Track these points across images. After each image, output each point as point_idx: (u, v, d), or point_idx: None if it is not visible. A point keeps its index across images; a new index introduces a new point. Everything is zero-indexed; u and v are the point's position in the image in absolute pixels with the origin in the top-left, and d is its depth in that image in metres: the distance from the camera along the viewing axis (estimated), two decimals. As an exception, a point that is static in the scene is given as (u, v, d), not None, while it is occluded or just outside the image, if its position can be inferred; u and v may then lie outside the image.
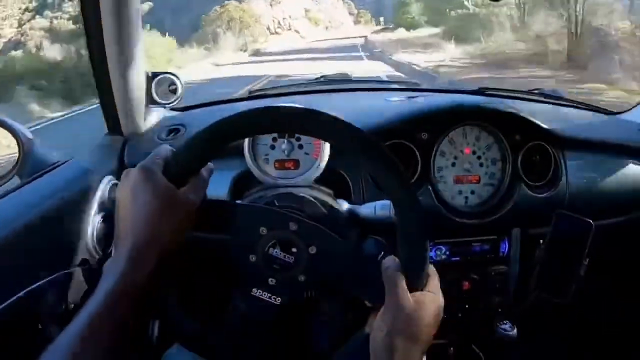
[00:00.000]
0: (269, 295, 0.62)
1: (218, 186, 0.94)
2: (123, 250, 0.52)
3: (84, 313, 0.48)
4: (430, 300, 0.55)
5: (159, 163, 0.55)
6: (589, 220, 0.96)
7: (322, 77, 1.21)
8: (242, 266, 0.62)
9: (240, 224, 0.62)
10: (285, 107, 0.55)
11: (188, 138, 0.55)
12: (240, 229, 0.62)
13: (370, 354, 0.55)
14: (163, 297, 0.69)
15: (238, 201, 0.83)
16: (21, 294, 0.67)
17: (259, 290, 0.62)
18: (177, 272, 0.72)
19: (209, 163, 0.59)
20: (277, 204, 0.74)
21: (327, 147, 0.89)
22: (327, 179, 0.92)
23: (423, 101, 1.08)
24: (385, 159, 0.53)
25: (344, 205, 0.85)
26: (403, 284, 0.54)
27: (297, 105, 0.55)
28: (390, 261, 0.57)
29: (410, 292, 0.54)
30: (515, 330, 1.06)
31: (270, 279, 0.62)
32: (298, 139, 0.91)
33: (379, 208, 0.80)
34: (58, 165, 0.93)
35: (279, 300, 0.62)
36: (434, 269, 0.58)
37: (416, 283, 0.55)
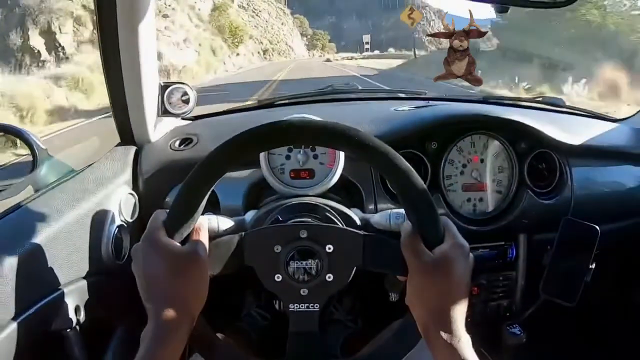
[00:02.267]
0: (306, 305, 0.64)
1: (232, 196, 0.96)
2: (154, 317, 0.54)
3: None
4: (452, 248, 0.56)
5: (160, 228, 0.57)
6: (595, 225, 0.99)
7: (329, 86, 1.22)
8: (271, 288, 0.64)
9: (254, 250, 0.63)
10: (276, 124, 0.57)
11: (178, 192, 0.57)
12: (256, 255, 0.63)
13: (418, 326, 0.56)
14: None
15: (244, 218, 0.85)
16: (40, 303, 0.68)
17: (296, 305, 0.64)
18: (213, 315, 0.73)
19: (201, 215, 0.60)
20: (281, 219, 0.75)
21: (342, 157, 0.91)
22: (341, 188, 0.94)
23: (431, 111, 1.10)
24: (374, 144, 0.56)
25: (358, 214, 0.86)
26: (419, 243, 0.56)
27: (291, 119, 0.57)
28: (404, 227, 0.58)
29: (431, 248, 0.56)
30: (523, 334, 1.08)
31: (302, 290, 0.63)
32: (313, 149, 0.93)
33: (393, 217, 0.81)
34: (72, 176, 0.94)
35: (317, 306, 0.64)
36: (448, 219, 0.59)
37: (434, 239, 0.57)
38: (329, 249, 0.63)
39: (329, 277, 0.63)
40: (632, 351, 1.27)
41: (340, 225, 0.76)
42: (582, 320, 1.23)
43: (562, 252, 1.02)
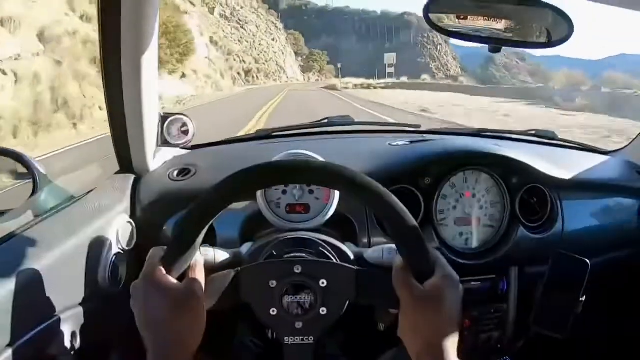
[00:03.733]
0: (301, 338, 0.66)
1: (229, 228, 0.97)
2: (153, 355, 0.56)
3: None
4: (442, 281, 0.58)
5: (158, 265, 0.59)
6: (585, 259, 1.01)
7: (326, 119, 1.25)
8: (267, 322, 0.66)
9: (249, 286, 0.65)
10: (273, 164, 0.61)
11: (177, 228, 0.60)
12: (251, 291, 0.66)
13: (411, 356, 0.58)
14: None
15: (240, 251, 0.87)
16: (36, 330, 0.69)
17: (291, 338, 0.66)
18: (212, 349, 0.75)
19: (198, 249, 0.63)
20: (275, 254, 0.77)
21: (336, 193, 0.93)
22: (335, 222, 0.95)
23: (425, 147, 1.12)
24: (363, 181, 0.58)
25: (352, 249, 0.88)
26: (410, 278, 0.58)
27: (287, 160, 0.60)
28: (395, 261, 0.61)
29: (422, 282, 0.58)
30: None
31: (297, 324, 0.65)
32: (309, 185, 0.95)
33: (386, 252, 0.82)
34: (72, 203, 0.95)
35: (311, 339, 0.66)
36: (438, 253, 0.61)
37: (424, 273, 0.59)
38: (323, 283, 0.65)
39: (323, 310, 0.65)
40: None
41: (334, 260, 0.78)
42: (572, 353, 1.24)
43: (553, 286, 1.04)
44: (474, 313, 1.09)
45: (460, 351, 1.08)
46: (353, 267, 0.67)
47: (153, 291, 0.57)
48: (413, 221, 0.58)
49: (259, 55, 52.52)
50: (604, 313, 1.24)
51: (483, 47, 0.86)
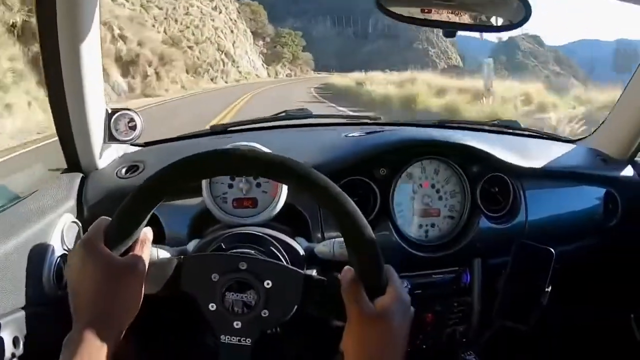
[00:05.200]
0: (238, 338, 0.63)
1: (177, 226, 0.94)
2: (80, 324, 0.53)
3: None
4: (394, 301, 0.55)
5: (99, 236, 0.57)
6: (549, 248, 0.99)
7: (284, 112, 1.22)
8: (205, 316, 0.63)
9: (191, 276, 0.63)
10: (219, 152, 0.57)
11: (121, 204, 0.57)
12: (192, 281, 0.63)
13: None
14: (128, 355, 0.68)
15: (186, 248, 0.85)
16: None
17: (228, 337, 0.63)
18: (142, 333, 0.72)
19: (146, 227, 0.60)
20: (224, 247, 0.75)
21: (284, 186, 0.90)
22: (287, 216, 0.92)
23: (380, 137, 1.10)
24: (321, 182, 0.55)
25: (302, 244, 0.85)
26: (361, 292, 0.55)
27: (235, 148, 0.57)
28: (346, 273, 0.57)
29: (372, 298, 0.55)
30: None
31: (235, 323, 0.62)
32: (256, 178, 0.92)
33: (337, 246, 0.80)
34: (14, 204, 0.92)
35: (249, 340, 0.63)
36: (392, 269, 0.59)
37: (376, 288, 0.56)
38: (268, 284, 0.62)
39: (265, 312, 0.62)
40: None
41: (283, 261, 0.75)
42: (539, 344, 1.23)
43: (516, 276, 1.02)
44: (437, 307, 1.06)
45: (424, 346, 1.07)
46: (301, 271, 0.64)
47: (88, 258, 0.55)
48: (370, 232, 0.55)
49: (181, 31, 29.09)
50: (572, 303, 1.22)
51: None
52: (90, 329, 0.52)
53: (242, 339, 0.63)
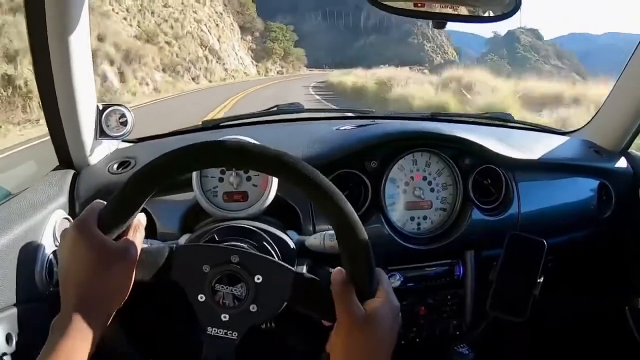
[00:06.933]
0: (224, 331, 0.63)
1: (169, 220, 0.94)
2: (69, 306, 0.53)
3: None
4: (383, 305, 0.55)
5: (93, 218, 0.57)
6: (542, 239, 0.99)
7: (275, 106, 1.22)
8: (193, 307, 0.63)
9: (182, 266, 0.63)
10: (210, 144, 0.56)
11: (116, 189, 0.56)
12: (183, 271, 0.63)
13: None
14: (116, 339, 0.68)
15: (177, 242, 0.84)
16: None
17: (214, 329, 0.63)
18: (131, 319, 0.71)
19: (140, 213, 0.60)
20: (217, 239, 0.75)
21: (274, 179, 0.90)
22: (278, 209, 0.92)
23: (371, 129, 1.09)
24: (316, 180, 0.54)
25: (293, 237, 0.85)
26: (352, 295, 0.55)
27: (225, 140, 0.56)
28: (337, 274, 0.57)
29: (362, 301, 0.55)
30: (471, 353, 1.06)
31: (223, 315, 0.62)
32: (246, 171, 0.92)
33: (327, 238, 0.80)
34: (5, 201, 0.92)
35: (235, 334, 0.63)
36: (383, 273, 0.59)
37: (366, 291, 0.56)
38: (258, 279, 0.62)
39: (253, 307, 0.62)
40: None
41: (274, 256, 0.75)
42: (533, 336, 1.22)
43: (508, 268, 1.01)
44: (429, 300, 1.06)
45: (417, 339, 1.07)
46: (292, 269, 0.63)
47: (81, 240, 0.55)
48: (363, 234, 0.55)
49: (158, 25, 26.14)
50: (566, 295, 1.22)
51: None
52: (78, 311, 0.52)
53: (228, 332, 0.62)
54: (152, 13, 27.22)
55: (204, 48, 29.57)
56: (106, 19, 19.80)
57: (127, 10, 24.90)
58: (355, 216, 0.55)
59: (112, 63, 17.56)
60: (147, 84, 19.40)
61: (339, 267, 0.58)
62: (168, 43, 25.71)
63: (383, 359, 0.54)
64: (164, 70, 22.68)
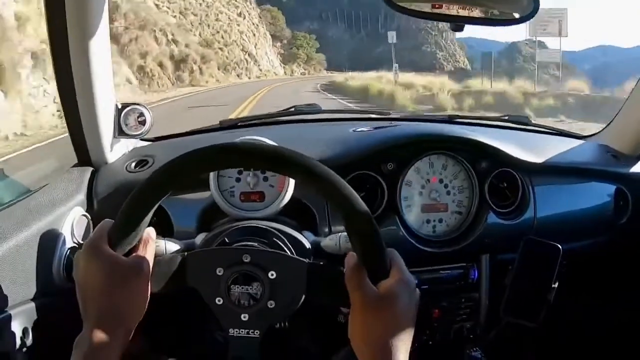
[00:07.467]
0: (246, 331, 0.63)
1: (185, 219, 0.95)
2: (89, 325, 0.54)
3: None
4: (398, 283, 0.55)
5: (103, 238, 0.57)
6: (557, 244, 0.98)
7: (293, 107, 1.22)
8: (212, 311, 0.63)
9: (195, 271, 0.63)
10: (217, 147, 0.56)
11: (122, 206, 0.57)
12: (197, 277, 0.63)
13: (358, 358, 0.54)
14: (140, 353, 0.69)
15: (194, 241, 0.84)
16: None
17: (236, 330, 0.63)
18: (153, 330, 0.72)
19: (149, 227, 0.61)
20: (227, 241, 0.75)
21: (291, 180, 0.90)
22: (294, 210, 0.92)
23: (388, 131, 1.09)
24: (316, 170, 0.55)
25: (309, 238, 0.85)
26: (363, 277, 0.55)
27: (231, 143, 0.57)
28: (349, 258, 0.57)
29: (376, 282, 0.55)
30: (484, 357, 1.06)
31: (242, 315, 0.63)
32: (263, 172, 0.92)
33: (343, 239, 0.80)
34: (25, 197, 0.93)
35: (257, 332, 0.63)
36: (396, 253, 0.58)
37: (379, 272, 0.56)
38: (272, 275, 0.62)
39: (271, 304, 0.62)
40: None
41: (287, 251, 0.75)
42: (546, 341, 1.21)
43: (524, 272, 1.01)
44: (444, 303, 1.06)
45: (430, 342, 1.07)
46: (304, 260, 0.64)
47: (94, 260, 0.56)
48: (368, 214, 0.55)
49: (213, 35, 34.78)
50: (580, 300, 1.21)
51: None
52: (99, 329, 0.53)
53: (250, 332, 0.63)
54: (208, 26, 37.83)
55: (244, 52, 39.85)
56: (187, 33, 29.92)
57: (191, 23, 34.97)
58: (360, 200, 0.55)
59: (195, 62, 27.25)
60: (212, 77, 29.58)
61: (351, 252, 0.58)
62: (220, 49, 35.32)
63: (403, 336, 0.53)
64: (219, 69, 31.80)
